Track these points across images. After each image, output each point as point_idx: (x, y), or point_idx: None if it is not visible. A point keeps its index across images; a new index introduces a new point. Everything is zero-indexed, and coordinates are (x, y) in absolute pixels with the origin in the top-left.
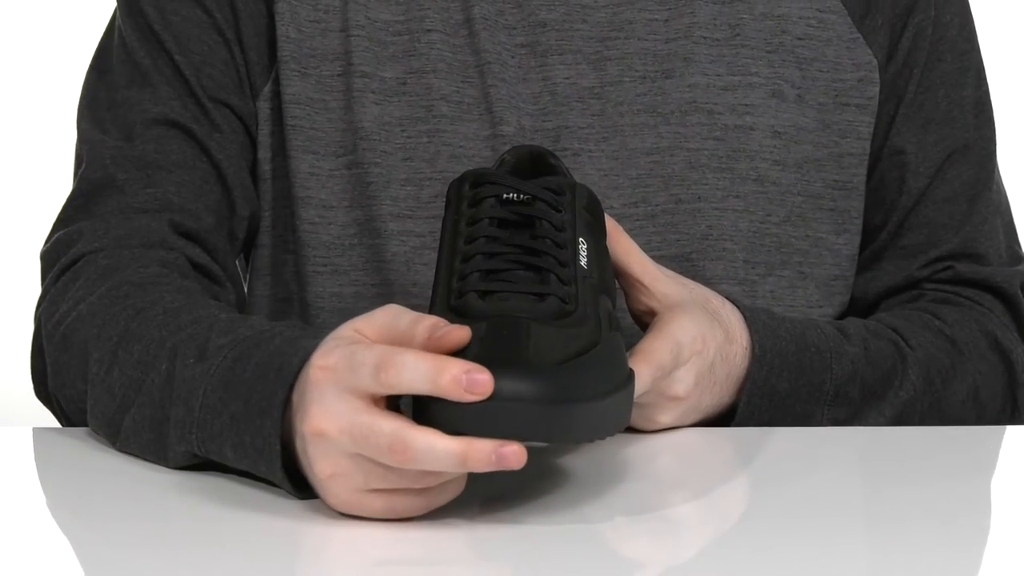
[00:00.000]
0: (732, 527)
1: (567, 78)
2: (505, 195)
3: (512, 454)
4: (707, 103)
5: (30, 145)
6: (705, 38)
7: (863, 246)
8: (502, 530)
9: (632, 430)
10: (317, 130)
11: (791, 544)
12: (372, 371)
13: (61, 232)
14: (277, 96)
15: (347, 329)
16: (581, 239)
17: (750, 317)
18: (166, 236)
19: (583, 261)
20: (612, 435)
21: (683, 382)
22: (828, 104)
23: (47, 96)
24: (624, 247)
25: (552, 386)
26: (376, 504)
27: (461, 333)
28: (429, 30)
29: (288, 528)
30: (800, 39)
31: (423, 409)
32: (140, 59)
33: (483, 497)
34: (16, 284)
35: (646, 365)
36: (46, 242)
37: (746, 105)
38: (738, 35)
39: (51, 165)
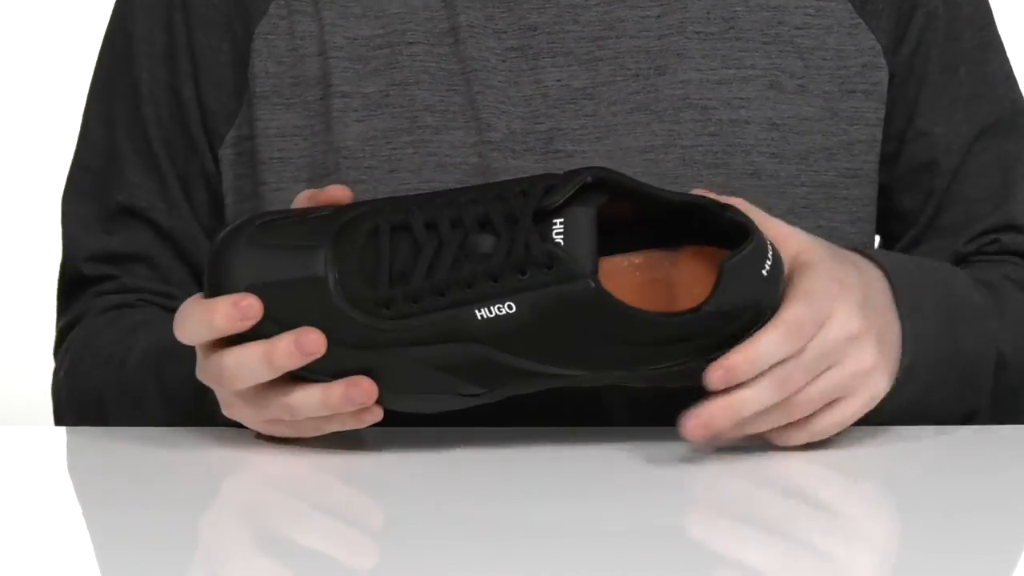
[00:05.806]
0: (733, 527)
1: (559, 80)
2: None
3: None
4: (700, 99)
5: (34, 151)
6: (698, 32)
7: (901, 232)
8: (499, 529)
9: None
10: (305, 157)
11: (794, 545)
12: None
13: (59, 326)
14: (241, 140)
15: None
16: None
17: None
18: (141, 296)
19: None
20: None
21: (851, 316)
22: (834, 92)
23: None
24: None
25: None
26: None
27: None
28: (411, 42)
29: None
30: (799, 28)
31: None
32: (119, 138)
33: (480, 492)
34: (21, 288)
35: (773, 327)
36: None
37: (741, 99)
38: (732, 28)
39: (52, 168)
